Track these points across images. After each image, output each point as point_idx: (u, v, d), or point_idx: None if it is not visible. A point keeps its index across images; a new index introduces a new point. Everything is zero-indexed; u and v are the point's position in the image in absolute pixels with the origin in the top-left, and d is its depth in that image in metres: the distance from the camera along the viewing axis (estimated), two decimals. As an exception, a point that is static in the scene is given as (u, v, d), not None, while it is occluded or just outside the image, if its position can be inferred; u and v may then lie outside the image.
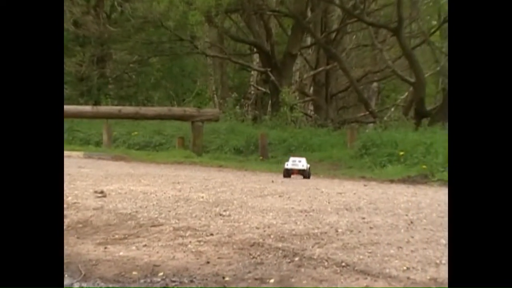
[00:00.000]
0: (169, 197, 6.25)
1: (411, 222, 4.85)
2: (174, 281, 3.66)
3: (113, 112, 15.85)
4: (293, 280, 3.50)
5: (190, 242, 4.38)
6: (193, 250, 4.19)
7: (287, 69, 21.02)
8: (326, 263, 3.71)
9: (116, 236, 4.76)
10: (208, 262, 3.91)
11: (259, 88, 24.28)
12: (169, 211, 5.43)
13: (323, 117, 20.16)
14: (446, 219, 4.91)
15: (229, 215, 5.21)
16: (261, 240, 4.29)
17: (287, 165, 9.40)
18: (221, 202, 5.87)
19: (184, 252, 4.17)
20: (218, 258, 3.99)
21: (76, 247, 4.46)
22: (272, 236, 4.39)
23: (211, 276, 3.67)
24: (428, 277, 3.38)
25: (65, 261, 3.85)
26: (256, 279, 3.57)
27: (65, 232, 4.75)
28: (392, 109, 24.64)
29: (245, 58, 25.44)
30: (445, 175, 9.37)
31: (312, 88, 23.73)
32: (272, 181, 8.28)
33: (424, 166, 10.31)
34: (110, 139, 16.15)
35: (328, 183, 8.55)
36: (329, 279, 3.46)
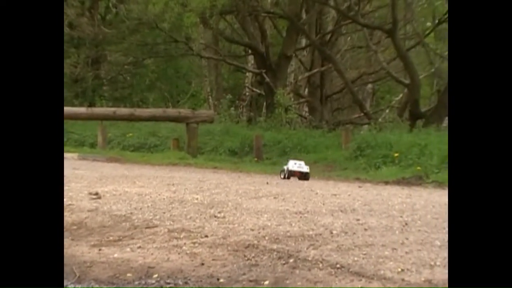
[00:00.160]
0: (164, 198, 6.24)
1: (406, 224, 4.85)
2: (168, 283, 3.66)
3: (108, 114, 15.83)
4: (287, 282, 3.50)
5: (185, 244, 4.37)
6: (188, 252, 4.19)
7: (282, 70, 21.02)
8: (320, 265, 3.70)
9: (111, 238, 4.76)
10: (202, 264, 3.91)
11: (254, 89, 24.27)
12: (164, 213, 5.42)
13: (318, 119, 20.17)
14: (441, 220, 4.93)
15: (224, 217, 5.20)
16: (255, 242, 4.28)
17: (292, 167, 9.47)
18: (215, 204, 5.87)
19: (179, 254, 4.17)
20: (213, 260, 3.98)
21: (71, 249, 4.46)
22: (266, 238, 4.38)
23: (205, 278, 3.67)
24: (423, 279, 3.38)
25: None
26: (250, 281, 3.57)
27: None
28: (387, 110, 24.63)
29: (240, 59, 25.43)
30: (440, 176, 9.39)
31: (307, 90, 23.73)
32: (267, 183, 8.28)
33: (418, 168, 10.33)
34: (105, 141, 16.12)
35: (323, 185, 8.55)
36: (323, 281, 3.46)
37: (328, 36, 22.33)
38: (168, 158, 13.62)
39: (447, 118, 17.28)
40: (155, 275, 3.78)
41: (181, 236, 4.58)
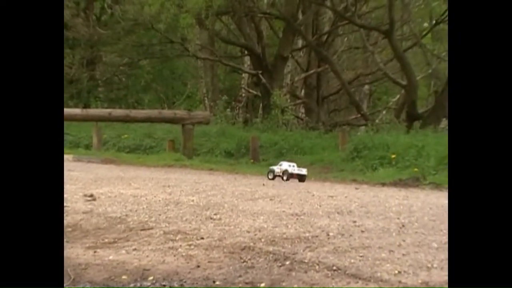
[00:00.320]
0: (159, 200, 6.22)
1: (403, 226, 4.83)
2: (164, 285, 3.64)
3: (103, 115, 15.80)
4: (284, 284, 3.48)
5: (181, 246, 4.35)
6: (184, 254, 4.17)
7: (278, 71, 21.02)
8: (317, 267, 3.68)
9: (106, 240, 4.73)
10: (198, 266, 3.89)
11: (250, 90, 24.26)
12: (159, 215, 5.40)
13: (314, 120, 20.15)
14: (438, 222, 4.91)
15: (220, 219, 5.18)
16: (252, 244, 4.26)
17: (293, 170, 9.53)
18: (211, 206, 5.84)
19: (174, 256, 4.15)
20: (209, 262, 3.96)
21: (66, 251, 4.41)
22: (263, 240, 4.36)
23: (201, 280, 3.65)
24: (420, 281, 3.37)
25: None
26: (246, 283, 3.55)
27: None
28: (384, 111, 24.65)
29: (236, 60, 25.42)
30: (437, 178, 9.38)
31: (303, 91, 23.73)
32: (263, 185, 8.26)
33: (415, 169, 10.32)
34: (100, 142, 16.09)
35: (319, 186, 8.54)
36: (320, 283, 3.44)
37: (325, 37, 22.34)
38: (163, 160, 13.60)
39: (444, 119, 17.30)
40: (151, 278, 3.76)
41: (177, 238, 4.56)
